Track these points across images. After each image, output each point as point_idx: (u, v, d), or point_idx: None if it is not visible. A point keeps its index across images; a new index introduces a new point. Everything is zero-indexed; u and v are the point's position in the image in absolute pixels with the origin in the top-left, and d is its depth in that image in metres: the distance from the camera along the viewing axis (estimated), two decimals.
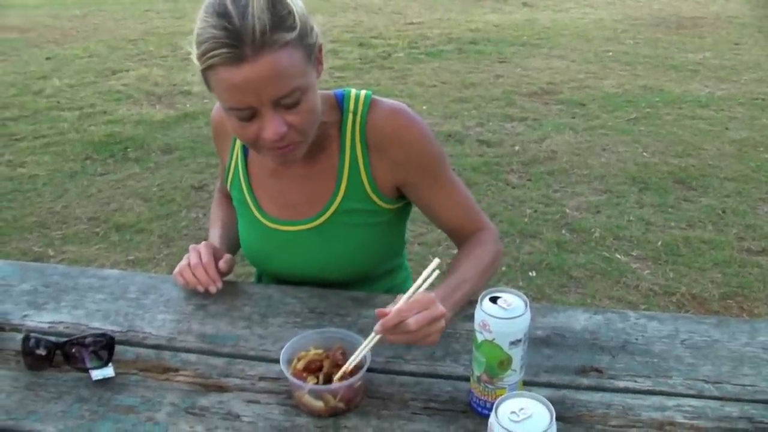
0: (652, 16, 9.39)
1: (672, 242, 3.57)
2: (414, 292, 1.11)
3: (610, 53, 7.43)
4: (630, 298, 3.09)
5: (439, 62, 7.26)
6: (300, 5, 1.18)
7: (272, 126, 1.18)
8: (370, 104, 1.37)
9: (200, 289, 1.39)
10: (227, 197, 1.70)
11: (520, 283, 3.22)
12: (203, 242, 1.46)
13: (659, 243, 3.56)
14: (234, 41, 1.10)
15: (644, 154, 4.72)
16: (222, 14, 1.11)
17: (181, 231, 3.82)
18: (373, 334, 1.10)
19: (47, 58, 7.86)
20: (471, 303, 1.14)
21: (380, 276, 1.55)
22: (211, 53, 1.11)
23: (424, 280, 1.12)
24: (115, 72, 7.19)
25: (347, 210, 1.40)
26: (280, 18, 1.13)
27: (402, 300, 1.11)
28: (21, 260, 3.43)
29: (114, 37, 8.94)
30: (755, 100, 5.80)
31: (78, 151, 5.04)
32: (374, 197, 1.40)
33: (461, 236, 1.46)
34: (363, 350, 1.12)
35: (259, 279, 1.67)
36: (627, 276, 3.27)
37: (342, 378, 1.11)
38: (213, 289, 1.39)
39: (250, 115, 1.18)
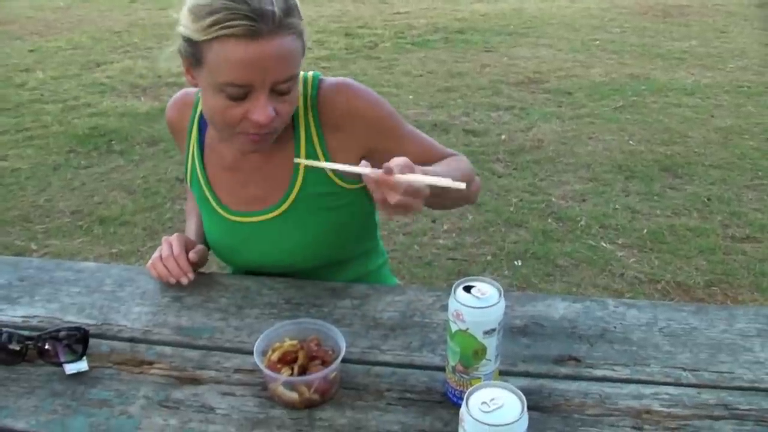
0: (639, 5, 9.38)
1: (657, 230, 3.57)
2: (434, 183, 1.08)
3: (597, 42, 7.42)
4: (615, 287, 3.10)
5: (426, 52, 7.24)
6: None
7: (264, 110, 1.20)
8: (318, 84, 1.37)
9: (172, 280, 1.39)
10: None
11: (506, 272, 3.21)
12: (175, 234, 1.45)
13: (645, 231, 3.57)
14: (254, 15, 1.12)
15: (630, 142, 4.72)
16: None
17: (166, 223, 3.79)
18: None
19: (30, 51, 7.78)
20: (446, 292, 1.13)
21: (354, 259, 1.54)
22: (228, 23, 1.12)
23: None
24: (100, 64, 7.13)
25: (309, 194, 1.39)
26: (291, 6, 1.18)
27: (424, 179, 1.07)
28: (2, 254, 3.41)
29: (98, 28, 8.86)
30: (741, 88, 5.81)
31: (61, 144, 4.99)
32: (335, 178, 1.39)
33: None
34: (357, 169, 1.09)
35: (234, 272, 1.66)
36: (612, 264, 3.28)
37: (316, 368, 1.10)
38: (184, 281, 1.38)
39: (244, 94, 1.19)
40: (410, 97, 5.72)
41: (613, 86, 5.92)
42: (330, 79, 1.39)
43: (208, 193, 1.46)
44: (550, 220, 3.71)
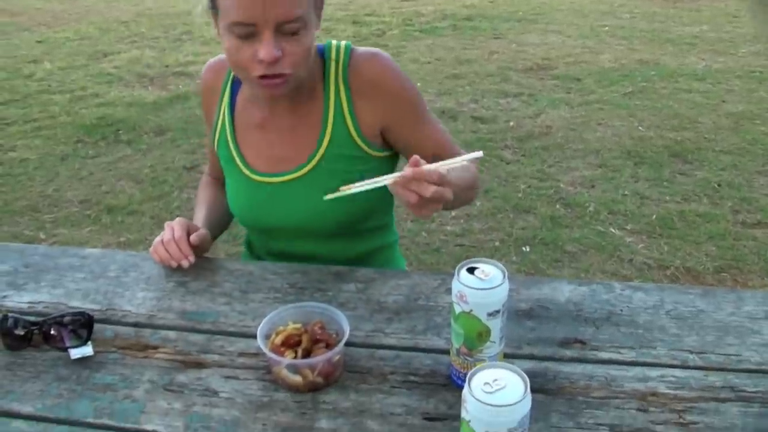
0: None
1: (667, 216, 3.55)
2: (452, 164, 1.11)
3: (607, 28, 7.37)
4: (624, 272, 3.08)
5: (434, 39, 7.20)
6: None
7: (269, 47, 1.22)
8: (350, 52, 1.41)
9: (173, 264, 1.40)
10: (216, 180, 1.70)
11: (514, 258, 3.20)
12: (177, 218, 1.45)
13: (654, 217, 3.55)
14: None
15: (640, 128, 4.68)
16: None
17: (174, 212, 3.79)
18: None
19: (38, 42, 7.79)
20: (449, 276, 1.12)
21: (369, 232, 1.55)
22: None
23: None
24: (107, 54, 7.13)
25: (334, 156, 1.41)
26: None
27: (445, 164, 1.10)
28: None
29: (105, 19, 8.86)
30: (753, 73, 5.75)
31: (69, 134, 5.00)
32: (360, 142, 1.42)
33: None
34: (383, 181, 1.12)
35: (249, 247, 1.67)
36: (621, 250, 3.26)
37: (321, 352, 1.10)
38: (185, 264, 1.39)
39: (251, 33, 1.22)
40: (418, 84, 5.65)
41: (622, 72, 5.88)
42: (362, 49, 1.43)
43: (234, 153, 1.49)
44: (558, 206, 3.69)
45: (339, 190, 1.16)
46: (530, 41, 6.95)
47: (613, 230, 3.43)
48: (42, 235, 3.62)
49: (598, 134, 4.60)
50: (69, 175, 4.37)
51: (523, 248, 3.30)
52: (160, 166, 4.41)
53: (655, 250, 3.25)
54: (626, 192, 3.82)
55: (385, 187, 1.51)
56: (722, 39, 6.80)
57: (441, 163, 1.10)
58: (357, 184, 1.16)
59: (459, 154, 1.44)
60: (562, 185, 3.91)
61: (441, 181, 1.08)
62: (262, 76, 1.27)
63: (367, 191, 1.14)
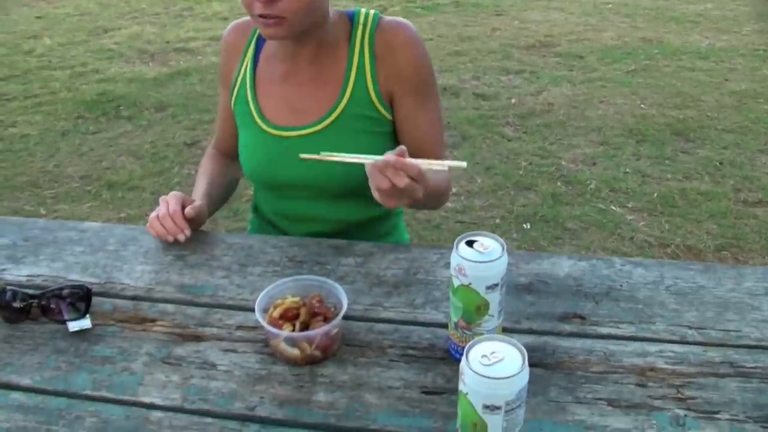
0: None
1: (668, 194, 3.54)
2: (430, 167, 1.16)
3: (610, 5, 7.30)
4: (624, 250, 3.08)
5: (436, 16, 7.15)
6: None
7: None
8: (378, 20, 1.44)
9: (170, 239, 1.39)
10: (221, 154, 1.70)
11: (514, 235, 3.20)
12: (172, 192, 1.44)
13: (655, 195, 3.54)
14: None
15: (642, 106, 4.66)
16: None
17: (174, 188, 3.78)
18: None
19: (37, 17, 7.73)
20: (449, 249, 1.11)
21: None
22: None
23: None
24: (107, 30, 7.08)
25: (351, 114, 1.43)
26: None
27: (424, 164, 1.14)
28: None
29: None
30: (756, 52, 5.71)
31: (70, 110, 4.98)
32: (378, 104, 1.44)
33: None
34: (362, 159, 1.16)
35: (255, 208, 1.67)
36: (622, 227, 3.25)
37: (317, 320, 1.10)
38: (181, 238, 1.39)
39: None
40: None
41: (625, 50, 5.83)
42: (391, 18, 1.47)
43: (252, 107, 1.49)
44: (559, 184, 3.68)
45: (320, 155, 1.20)
46: (532, 18, 6.89)
47: (614, 208, 3.42)
48: (42, 211, 3.62)
49: (600, 112, 4.58)
50: (69, 150, 4.35)
51: (524, 225, 3.29)
52: (160, 142, 4.40)
53: (656, 228, 3.25)
54: (627, 170, 3.80)
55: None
56: (726, 17, 6.74)
57: (424, 161, 1.14)
58: (337, 155, 1.21)
59: (441, 157, 1.48)
60: (563, 162, 3.90)
61: (418, 177, 1.11)
62: (261, 15, 1.28)
63: (380, 152, 1.15)
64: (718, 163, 3.85)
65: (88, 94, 5.27)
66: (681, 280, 1.27)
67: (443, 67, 5.53)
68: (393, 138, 1.50)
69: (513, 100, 4.80)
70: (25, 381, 1.09)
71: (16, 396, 1.07)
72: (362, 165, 1.18)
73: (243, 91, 1.52)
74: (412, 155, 1.44)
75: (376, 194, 1.14)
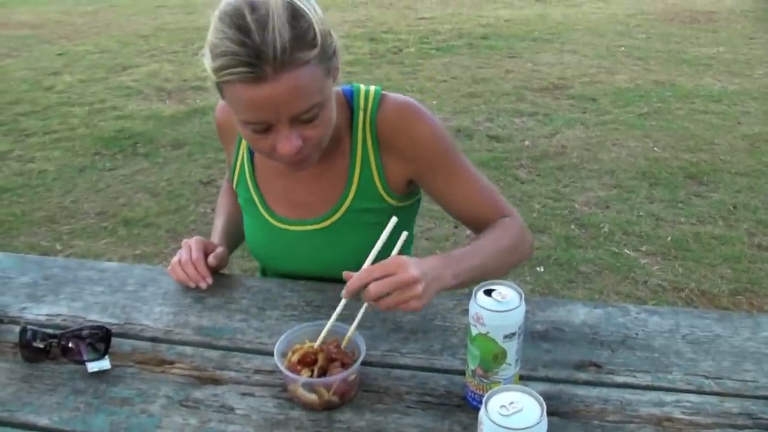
0: (666, 11, 9.31)
1: (682, 238, 3.54)
2: (375, 256, 1.14)
3: (623, 48, 7.38)
4: (638, 294, 3.07)
5: (450, 57, 7.23)
6: (318, 14, 1.14)
7: (288, 142, 1.16)
8: (379, 100, 1.35)
9: (191, 285, 1.40)
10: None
11: (528, 278, 3.20)
12: (194, 238, 1.45)
13: (669, 238, 3.54)
14: (254, 59, 1.06)
15: (655, 149, 4.68)
16: (240, 27, 1.06)
17: (189, 226, 3.82)
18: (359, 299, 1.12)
19: (58, 54, 7.89)
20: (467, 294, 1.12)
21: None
22: (229, 70, 1.08)
23: (384, 243, 1.14)
24: (126, 68, 7.21)
25: (357, 210, 1.39)
26: (301, 33, 1.09)
27: (366, 263, 1.13)
28: (29, 255, 3.45)
29: (125, 32, 8.96)
30: None
31: (87, 147, 5.05)
32: (385, 195, 1.39)
33: (483, 226, 1.39)
34: (355, 322, 1.14)
35: (264, 273, 1.66)
36: (635, 271, 3.25)
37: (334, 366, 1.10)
38: (203, 285, 1.39)
39: (265, 128, 1.16)
40: (434, 102, 5.72)
41: (638, 92, 5.88)
42: (392, 97, 1.37)
43: (255, 196, 1.46)
44: (573, 227, 3.68)
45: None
46: (546, 61, 6.96)
47: (627, 251, 3.42)
48: (59, 246, 3.65)
49: (613, 155, 4.60)
50: (86, 186, 4.41)
51: (537, 268, 3.29)
52: (176, 180, 4.44)
53: (670, 272, 3.24)
54: (641, 213, 3.81)
55: (411, 227, 1.48)
56: (738, 60, 6.79)
57: (365, 265, 1.13)
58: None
59: (497, 213, 1.40)
60: (576, 205, 3.91)
61: (365, 277, 1.09)
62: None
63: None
64: (731, 207, 3.84)
65: (106, 130, 5.34)
66: (697, 329, 1.27)
67: (457, 108, 5.58)
68: (401, 223, 1.43)
69: (526, 142, 4.83)
70: (44, 421, 1.10)
71: None
72: (368, 249, 1.17)
73: (243, 178, 1.48)
74: (469, 225, 1.45)
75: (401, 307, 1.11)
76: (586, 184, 4.18)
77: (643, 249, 3.45)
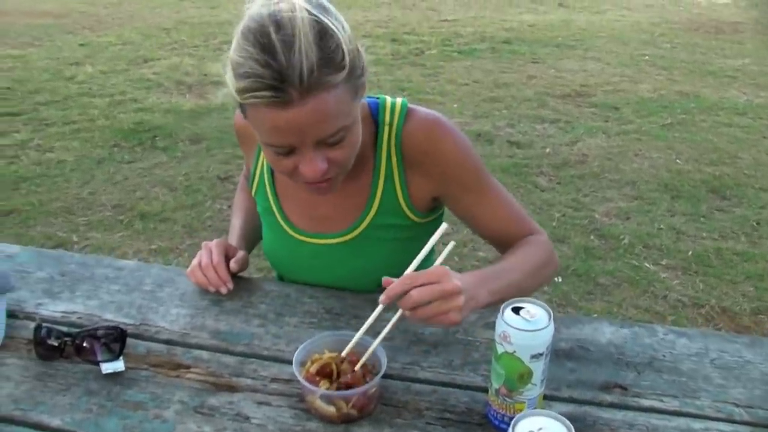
0: (691, 21, 9.24)
1: (703, 253, 3.48)
2: (420, 261, 1.11)
3: (647, 57, 7.31)
4: (657, 309, 3.02)
5: (472, 61, 7.20)
6: (347, 32, 1.09)
7: (312, 165, 1.13)
8: (405, 115, 1.31)
9: (211, 289, 1.37)
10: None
11: (545, 289, 3.16)
12: (215, 240, 1.42)
13: (690, 253, 3.48)
14: (279, 83, 1.01)
15: (677, 161, 4.62)
16: (266, 47, 1.01)
17: (205, 222, 3.80)
18: (389, 311, 1.09)
19: (81, 45, 7.92)
20: (496, 308, 1.09)
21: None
22: (253, 93, 1.03)
23: (433, 247, 1.12)
24: (147, 60, 7.22)
25: (379, 225, 1.35)
26: (329, 54, 1.04)
27: (409, 269, 1.10)
28: (45, 245, 3.46)
29: (148, 25, 8.99)
30: None
31: (107, 138, 5.06)
32: (407, 212, 1.35)
33: (510, 245, 1.36)
34: (381, 335, 1.10)
35: (281, 278, 1.64)
36: (655, 285, 3.20)
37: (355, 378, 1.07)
38: (223, 290, 1.36)
39: (289, 151, 1.13)
40: (455, 106, 5.69)
41: (661, 103, 5.82)
42: (419, 113, 1.32)
43: (273, 206, 1.43)
44: (592, 237, 3.64)
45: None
46: (568, 67, 6.91)
47: (647, 265, 3.37)
48: (75, 238, 3.65)
49: (635, 165, 4.55)
50: (104, 178, 4.41)
51: (555, 279, 3.25)
52: (194, 175, 4.43)
53: (690, 288, 3.19)
54: (662, 226, 3.76)
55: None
56: (764, 73, 6.72)
57: (408, 270, 1.11)
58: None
59: (525, 231, 1.37)
60: (596, 215, 3.87)
61: (409, 283, 1.06)
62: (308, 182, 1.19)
63: (410, 254, 1.14)
64: (755, 223, 3.79)
65: (126, 123, 5.35)
66: (726, 354, 1.24)
67: (478, 113, 5.55)
68: (422, 237, 1.36)
69: (547, 150, 4.79)
70: (56, 422, 1.08)
71: None
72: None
73: (262, 187, 1.44)
74: (495, 245, 1.42)
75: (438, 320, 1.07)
76: (606, 194, 4.13)
77: (664, 263, 3.40)
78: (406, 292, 1.05)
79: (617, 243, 3.58)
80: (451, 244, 1.14)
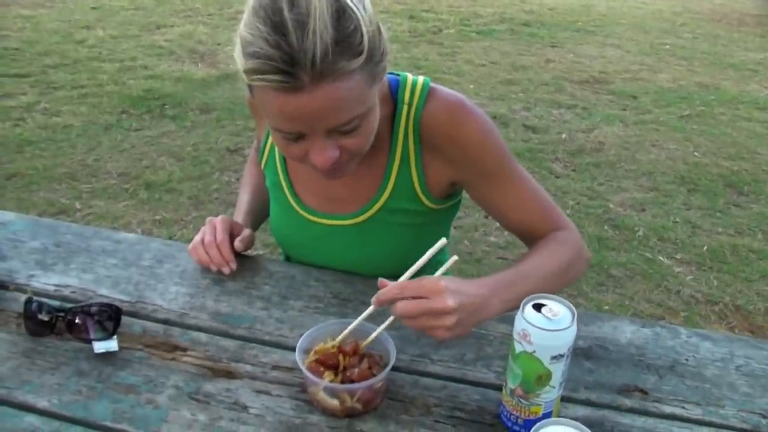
0: (714, 11, 9.08)
1: (718, 248, 3.40)
2: (415, 271, 1.03)
3: (667, 46, 7.19)
4: (670, 304, 2.95)
5: (490, 42, 7.08)
6: (367, 12, 0.99)
7: (323, 153, 1.05)
8: (427, 95, 1.22)
9: (213, 268, 1.30)
10: None
11: None
12: (220, 217, 1.35)
13: (705, 248, 3.41)
14: (289, 67, 0.93)
15: (695, 153, 4.53)
16: (277, 25, 0.92)
17: (212, 194, 3.73)
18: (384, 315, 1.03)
19: (93, 8, 7.82)
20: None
21: (416, 274, 1.43)
22: (261, 76, 0.95)
23: (428, 260, 1.03)
24: (160, 27, 7.13)
25: (391, 209, 1.28)
26: (345, 36, 0.95)
27: (404, 276, 1.03)
28: (47, 212, 3.40)
29: None
30: None
31: (115, 105, 4.98)
32: (422, 197, 1.27)
33: (535, 238, 1.28)
34: (381, 327, 1.04)
35: (287, 258, 1.57)
36: (668, 280, 3.13)
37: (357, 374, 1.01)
38: (226, 270, 1.30)
39: (298, 137, 1.05)
40: (471, 86, 5.59)
41: (680, 93, 5.71)
42: (441, 93, 1.23)
43: (284, 183, 1.35)
44: (606, 228, 3.56)
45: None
46: (587, 53, 6.79)
47: (661, 258, 3.30)
48: (78, 205, 3.59)
49: (652, 156, 4.46)
50: (110, 145, 4.34)
51: None
52: (202, 146, 4.36)
53: (704, 284, 3.11)
54: (677, 219, 3.67)
55: (447, 232, 1.38)
56: None
57: (403, 277, 1.04)
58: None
59: (552, 225, 1.28)
60: (611, 206, 3.78)
61: (397, 292, 0.99)
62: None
63: (423, 240, 1.07)
64: None
65: (135, 89, 5.27)
66: (753, 361, 1.17)
67: (494, 95, 5.45)
68: (436, 224, 1.34)
69: (563, 135, 4.70)
70: (42, 403, 1.02)
71: (31, 420, 0.99)
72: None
73: (272, 160, 1.37)
74: (519, 236, 1.33)
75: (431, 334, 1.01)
76: (622, 184, 4.04)
77: (678, 257, 3.32)
78: (396, 301, 0.99)
79: (631, 234, 3.50)
80: (453, 258, 1.07)
